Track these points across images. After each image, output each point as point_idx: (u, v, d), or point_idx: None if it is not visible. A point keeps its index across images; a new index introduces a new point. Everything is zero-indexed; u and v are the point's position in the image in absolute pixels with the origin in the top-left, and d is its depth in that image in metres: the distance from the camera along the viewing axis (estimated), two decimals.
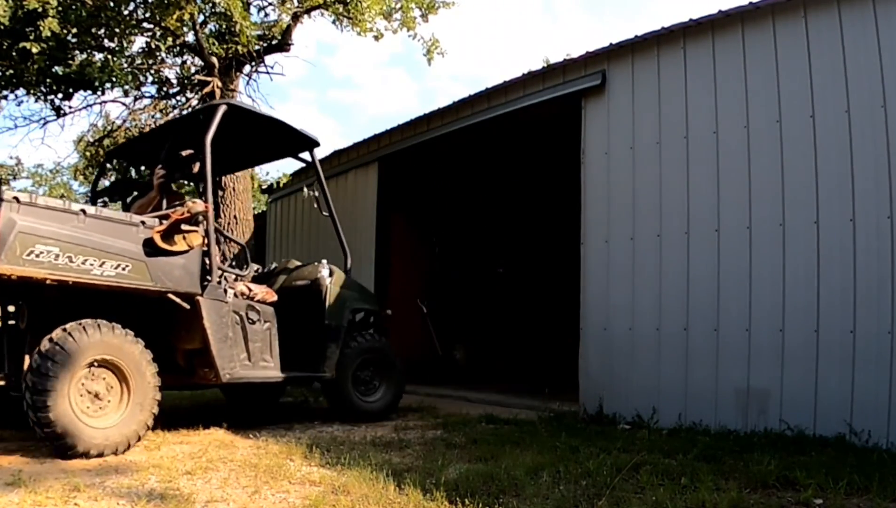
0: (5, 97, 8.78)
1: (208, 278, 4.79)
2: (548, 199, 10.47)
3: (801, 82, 4.87)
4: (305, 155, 6.42)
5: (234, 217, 9.14)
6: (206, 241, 4.76)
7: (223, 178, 9.16)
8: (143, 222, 4.46)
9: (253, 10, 9.18)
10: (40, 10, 6.70)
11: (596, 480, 3.46)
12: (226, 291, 4.93)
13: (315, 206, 6.32)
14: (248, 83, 9.63)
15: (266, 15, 9.57)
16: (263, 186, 12.84)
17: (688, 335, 5.32)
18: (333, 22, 9.09)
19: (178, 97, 9.67)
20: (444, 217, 10.44)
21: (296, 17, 9.03)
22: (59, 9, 6.95)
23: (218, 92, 8.38)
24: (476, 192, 10.65)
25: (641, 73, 5.84)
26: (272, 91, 44.42)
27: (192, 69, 9.44)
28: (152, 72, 9.12)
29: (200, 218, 4.65)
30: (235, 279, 5.34)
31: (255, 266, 6.12)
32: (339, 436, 5.00)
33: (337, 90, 52.35)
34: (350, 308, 5.97)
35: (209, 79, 8.46)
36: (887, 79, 4.47)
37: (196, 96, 9.19)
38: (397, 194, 9.19)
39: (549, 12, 55.44)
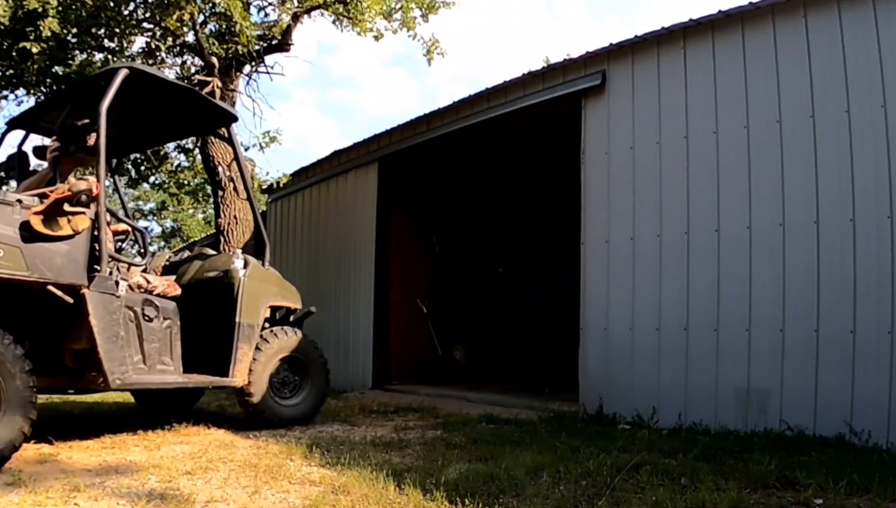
0: (5, 97, 8.78)
1: (97, 267, 4.17)
2: (548, 199, 10.47)
3: (801, 82, 4.87)
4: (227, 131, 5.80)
5: (234, 217, 9.11)
6: (95, 225, 4.16)
7: (223, 177, 9.15)
8: (19, 202, 3.86)
9: (253, 10, 9.17)
10: (40, 10, 6.69)
11: (596, 480, 3.46)
12: (117, 283, 4.30)
13: (227, 183, 5.72)
14: (248, 83, 9.60)
15: (266, 15, 9.56)
16: (263, 187, 12.82)
17: (688, 335, 5.32)
18: (333, 22, 9.08)
19: None
20: (444, 217, 10.43)
21: (296, 17, 9.02)
22: (59, 9, 6.95)
23: (218, 92, 8.37)
24: (476, 192, 10.65)
25: (641, 73, 5.84)
26: (272, 91, 44.62)
27: (192, 69, 9.42)
28: None
29: (84, 197, 4.01)
30: (143, 271, 4.79)
31: (167, 254, 5.65)
32: (339, 436, 5.00)
33: (337, 90, 52.49)
34: (267, 305, 5.47)
35: (209, 79, 8.45)
36: (887, 79, 4.47)
37: None
38: (397, 194, 9.17)
39: (549, 12, 55.48)
